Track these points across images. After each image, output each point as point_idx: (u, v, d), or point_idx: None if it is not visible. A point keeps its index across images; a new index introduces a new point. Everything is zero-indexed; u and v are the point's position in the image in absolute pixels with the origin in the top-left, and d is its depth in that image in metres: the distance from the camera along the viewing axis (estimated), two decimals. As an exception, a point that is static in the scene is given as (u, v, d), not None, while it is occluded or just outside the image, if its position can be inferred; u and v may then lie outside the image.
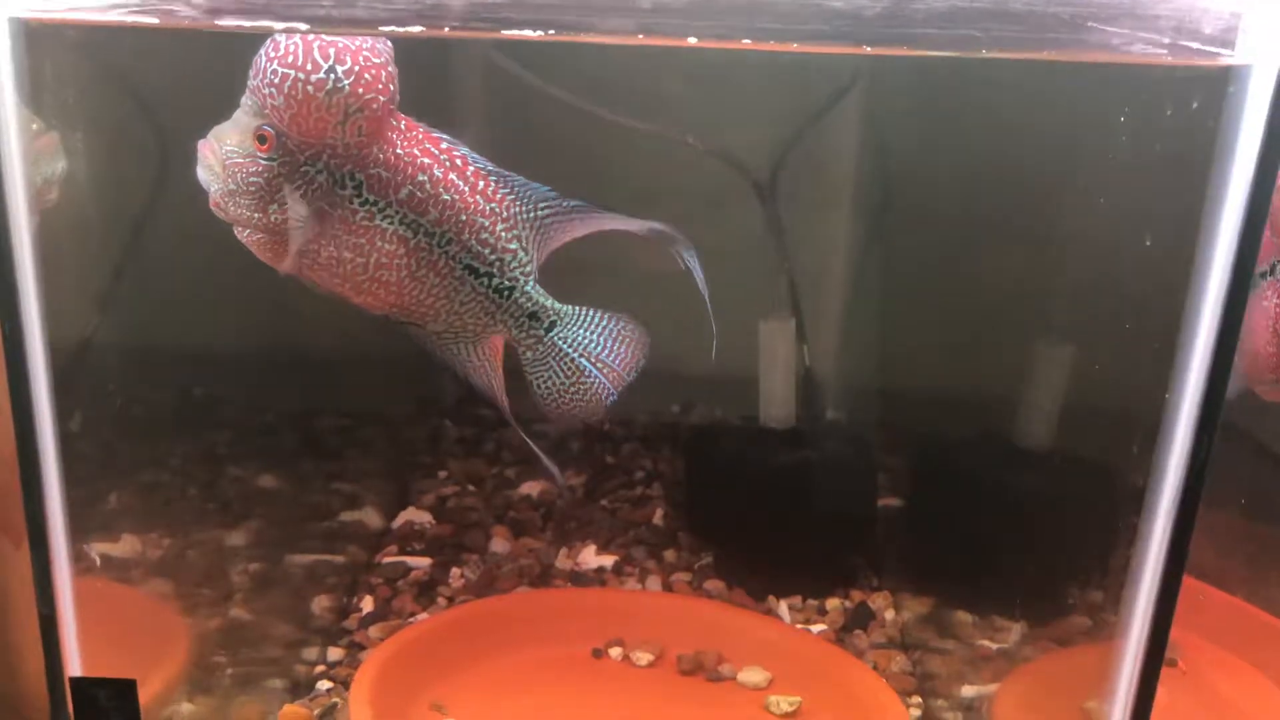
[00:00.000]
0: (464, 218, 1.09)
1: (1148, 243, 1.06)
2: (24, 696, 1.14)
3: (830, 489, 1.75)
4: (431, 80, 1.64)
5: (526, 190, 1.12)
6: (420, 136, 1.07)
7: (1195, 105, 0.94)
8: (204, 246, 1.12)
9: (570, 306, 1.17)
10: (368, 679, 1.38)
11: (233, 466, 1.53)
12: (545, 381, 1.18)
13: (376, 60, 0.98)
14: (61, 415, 1.03)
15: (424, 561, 1.78)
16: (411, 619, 1.61)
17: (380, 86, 0.99)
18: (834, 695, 1.46)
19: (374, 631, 1.59)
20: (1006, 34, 0.96)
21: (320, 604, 1.62)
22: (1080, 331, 1.31)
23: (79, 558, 1.06)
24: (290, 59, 0.96)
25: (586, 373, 1.17)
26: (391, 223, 1.07)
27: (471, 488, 2.03)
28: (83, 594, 1.08)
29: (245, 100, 1.02)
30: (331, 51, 0.96)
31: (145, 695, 1.11)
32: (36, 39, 0.96)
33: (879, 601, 1.72)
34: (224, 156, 1.02)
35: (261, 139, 1.01)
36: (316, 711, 1.40)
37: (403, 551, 1.81)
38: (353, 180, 1.05)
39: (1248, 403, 1.32)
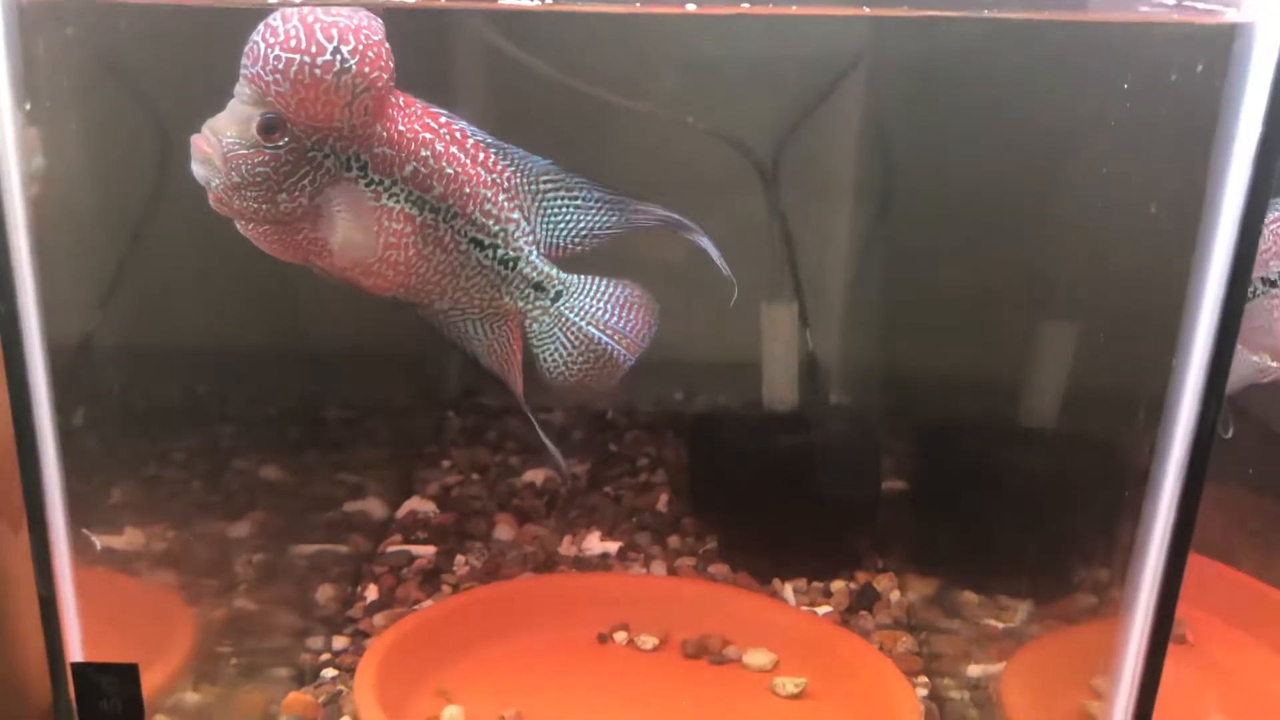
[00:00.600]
0: (468, 190, 1.08)
1: (1153, 210, 1.05)
2: (26, 682, 1.14)
3: (834, 472, 1.74)
4: (426, 58, 1.63)
5: (526, 162, 1.11)
6: (419, 112, 1.06)
7: (1200, 68, 0.93)
8: (207, 237, 1.11)
9: (576, 276, 1.15)
10: (372, 666, 1.38)
11: (237, 458, 1.53)
12: (553, 354, 1.16)
13: (375, 37, 0.97)
14: (66, 408, 1.02)
15: (428, 550, 1.78)
16: (416, 606, 1.61)
17: (383, 64, 0.98)
18: (840, 676, 1.45)
19: (379, 619, 1.59)
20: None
21: (325, 593, 1.62)
22: (1083, 308, 1.30)
23: (80, 544, 1.06)
24: (293, 43, 0.94)
25: (597, 340, 1.15)
26: (398, 201, 1.06)
27: (475, 476, 2.03)
28: (86, 583, 1.07)
29: (241, 89, 0.99)
30: (334, 32, 0.94)
31: (151, 684, 1.11)
32: (31, 21, 0.95)
33: (884, 583, 1.72)
34: (225, 149, 0.99)
35: (268, 128, 0.98)
36: (321, 699, 1.40)
37: (407, 540, 1.81)
38: (358, 161, 1.03)
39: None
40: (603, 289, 1.16)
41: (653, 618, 1.57)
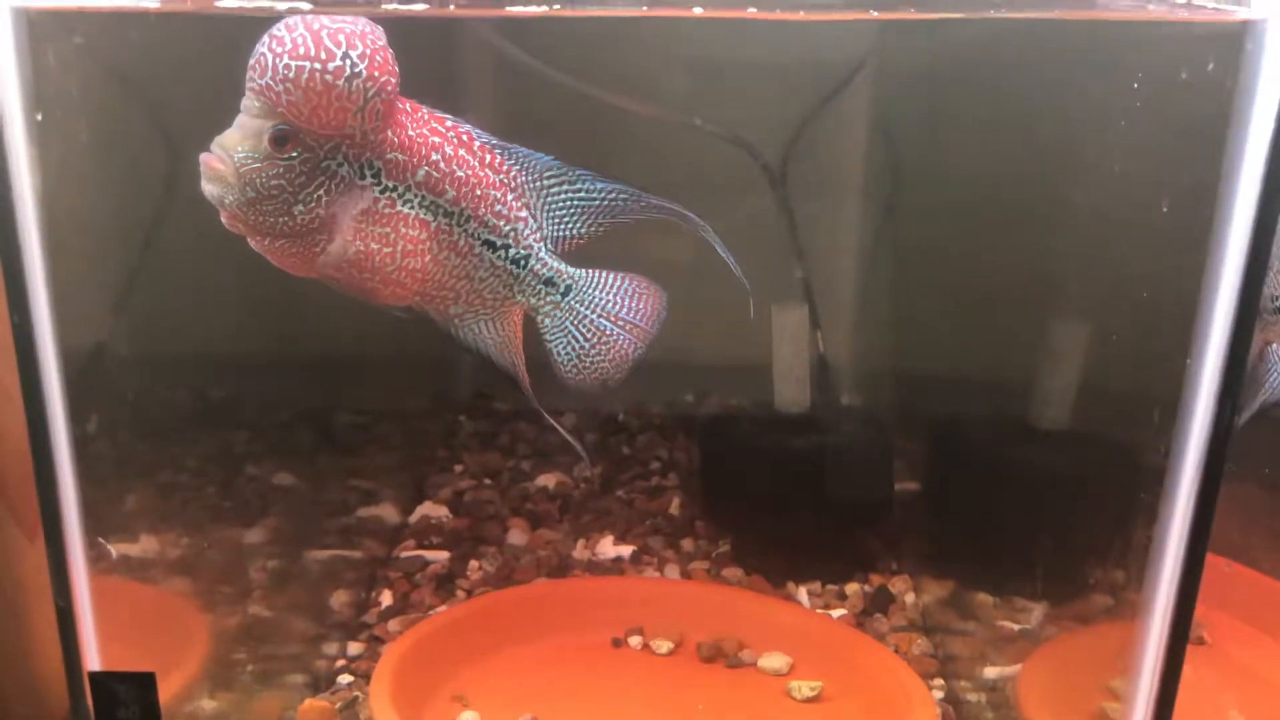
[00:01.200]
0: (479, 192, 1.09)
1: (1165, 209, 1.05)
2: (44, 691, 1.14)
3: (847, 474, 1.74)
4: (432, 65, 1.64)
5: (530, 160, 1.12)
6: (426, 116, 1.06)
7: (1211, 66, 0.93)
8: (217, 243, 1.11)
9: (583, 270, 1.16)
10: (388, 672, 1.38)
11: (250, 464, 1.53)
12: (566, 347, 1.17)
13: (380, 42, 0.97)
14: (81, 417, 1.02)
15: (442, 555, 1.78)
16: (430, 612, 1.61)
17: (390, 68, 0.98)
18: (855, 679, 1.45)
19: (393, 625, 1.59)
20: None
21: (339, 599, 1.62)
22: (1096, 308, 1.29)
23: (96, 553, 1.06)
24: (301, 50, 0.93)
25: (608, 332, 1.16)
26: (412, 207, 1.06)
27: (488, 481, 2.03)
28: (102, 591, 1.08)
29: (249, 103, 0.98)
30: (341, 38, 0.94)
31: (167, 692, 1.11)
32: (41, 31, 0.95)
33: (899, 585, 1.71)
34: (238, 164, 0.98)
35: (280, 139, 0.97)
36: (338, 705, 1.40)
37: (420, 545, 1.81)
38: (371, 168, 1.03)
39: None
40: (610, 281, 1.17)
41: (667, 621, 1.57)
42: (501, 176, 1.10)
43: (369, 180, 1.03)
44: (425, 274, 1.09)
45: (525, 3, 0.94)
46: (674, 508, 1.93)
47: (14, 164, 0.95)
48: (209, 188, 1.00)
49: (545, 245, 1.13)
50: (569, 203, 1.13)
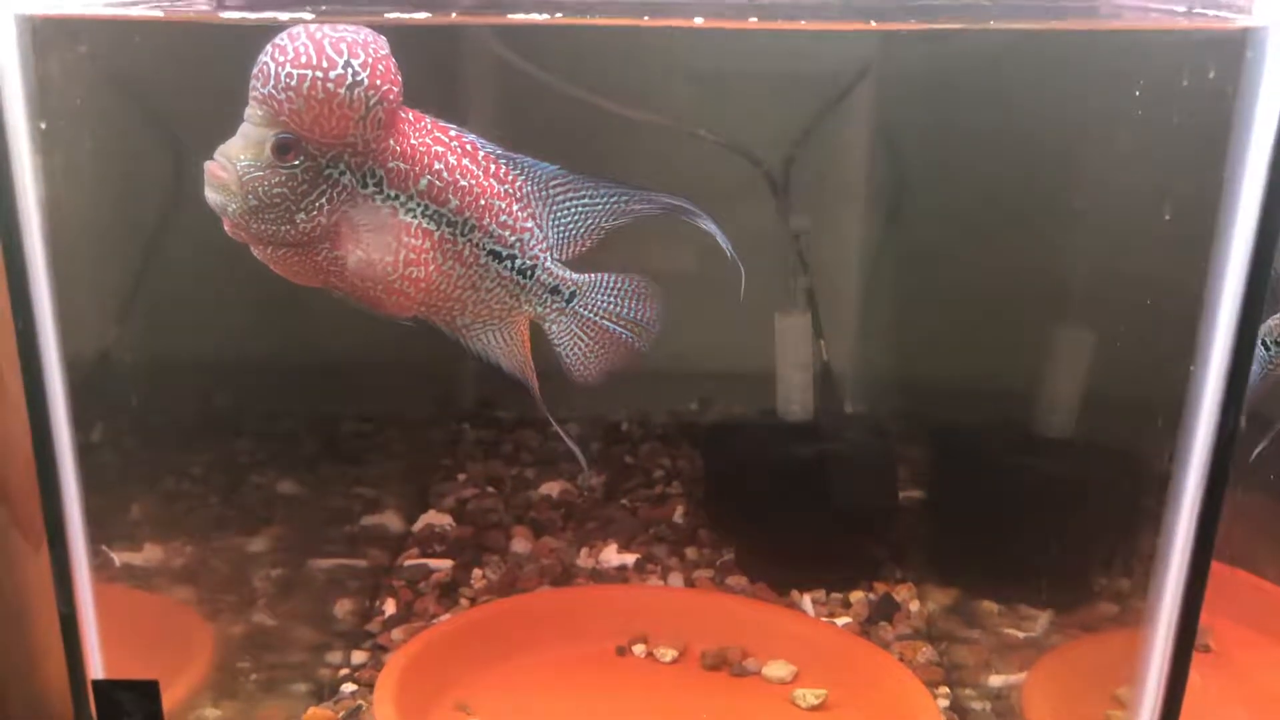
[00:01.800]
0: (483, 202, 1.09)
1: (1167, 218, 1.05)
2: (48, 700, 1.14)
3: (851, 481, 1.73)
4: (436, 75, 1.64)
5: (535, 169, 1.12)
6: (429, 126, 1.06)
7: (1212, 74, 0.93)
8: (222, 250, 1.11)
9: (585, 275, 1.18)
10: (392, 681, 1.38)
11: (254, 472, 1.53)
12: (574, 350, 1.19)
13: (383, 51, 0.97)
14: (85, 424, 1.03)
15: (445, 563, 1.78)
16: (434, 620, 1.61)
17: (392, 77, 0.98)
18: (860, 687, 1.45)
19: (397, 634, 1.59)
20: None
21: (343, 608, 1.62)
22: (1100, 315, 1.29)
23: (100, 561, 1.06)
24: (304, 59, 0.93)
25: (613, 333, 1.19)
26: (415, 216, 1.06)
27: (491, 489, 2.03)
28: (105, 599, 1.07)
29: (252, 112, 0.98)
30: (343, 46, 0.94)
31: (170, 700, 1.11)
32: (45, 39, 0.96)
33: (903, 593, 1.71)
34: (240, 173, 0.98)
35: (282, 148, 0.98)
36: (341, 714, 1.40)
37: (424, 554, 1.81)
38: (373, 177, 1.04)
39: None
40: (612, 284, 1.19)
41: (671, 630, 1.56)
42: (506, 186, 1.10)
43: (371, 189, 1.04)
44: (429, 284, 1.09)
45: (528, 11, 0.94)
46: (678, 516, 1.93)
47: (18, 172, 0.95)
48: (212, 196, 1.00)
49: (551, 254, 1.14)
50: (575, 211, 1.14)
